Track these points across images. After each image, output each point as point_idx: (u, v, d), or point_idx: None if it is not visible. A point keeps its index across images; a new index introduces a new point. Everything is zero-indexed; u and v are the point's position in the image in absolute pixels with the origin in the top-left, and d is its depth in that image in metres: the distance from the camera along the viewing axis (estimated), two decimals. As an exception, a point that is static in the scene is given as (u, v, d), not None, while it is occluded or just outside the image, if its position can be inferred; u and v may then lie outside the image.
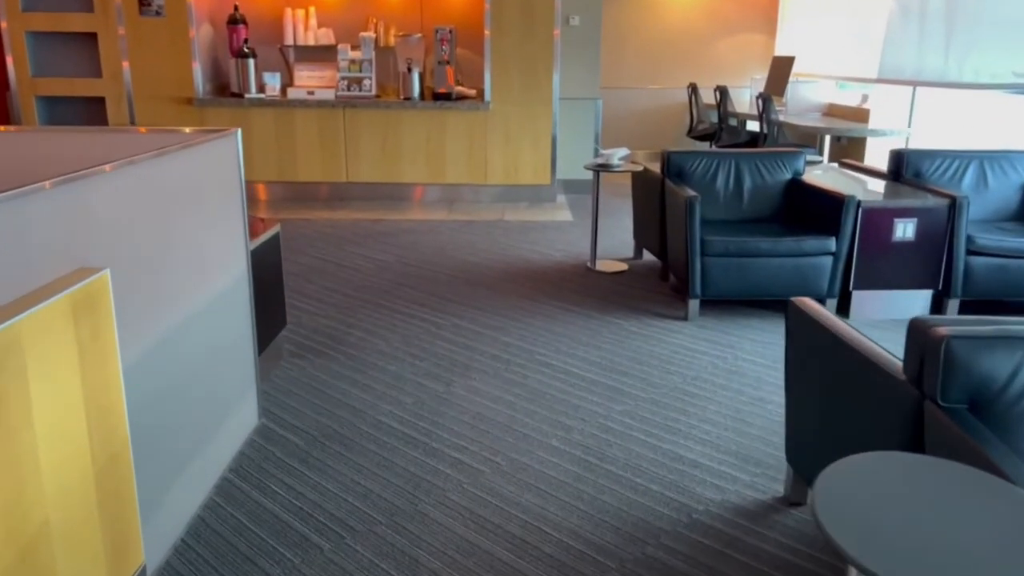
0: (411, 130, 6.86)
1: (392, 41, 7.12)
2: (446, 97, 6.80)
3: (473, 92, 7.17)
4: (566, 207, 6.85)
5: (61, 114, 6.97)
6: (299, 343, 3.69)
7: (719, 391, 3.22)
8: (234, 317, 2.66)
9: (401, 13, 7.28)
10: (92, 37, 6.64)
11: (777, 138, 7.33)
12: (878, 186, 4.31)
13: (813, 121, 6.93)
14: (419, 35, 6.85)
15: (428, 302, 4.30)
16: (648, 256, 5.22)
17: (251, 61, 6.78)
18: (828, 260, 3.88)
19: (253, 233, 3.03)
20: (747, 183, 4.33)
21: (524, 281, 4.71)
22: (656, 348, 3.65)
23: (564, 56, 7.08)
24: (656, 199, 4.57)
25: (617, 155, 4.83)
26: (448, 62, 6.79)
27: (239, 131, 2.68)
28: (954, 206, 3.85)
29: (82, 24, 6.55)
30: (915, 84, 6.41)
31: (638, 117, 9.67)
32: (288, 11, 7.11)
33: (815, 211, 4.10)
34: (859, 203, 3.84)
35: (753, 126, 8.35)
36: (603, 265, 4.99)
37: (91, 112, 6.94)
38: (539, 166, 6.96)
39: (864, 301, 3.99)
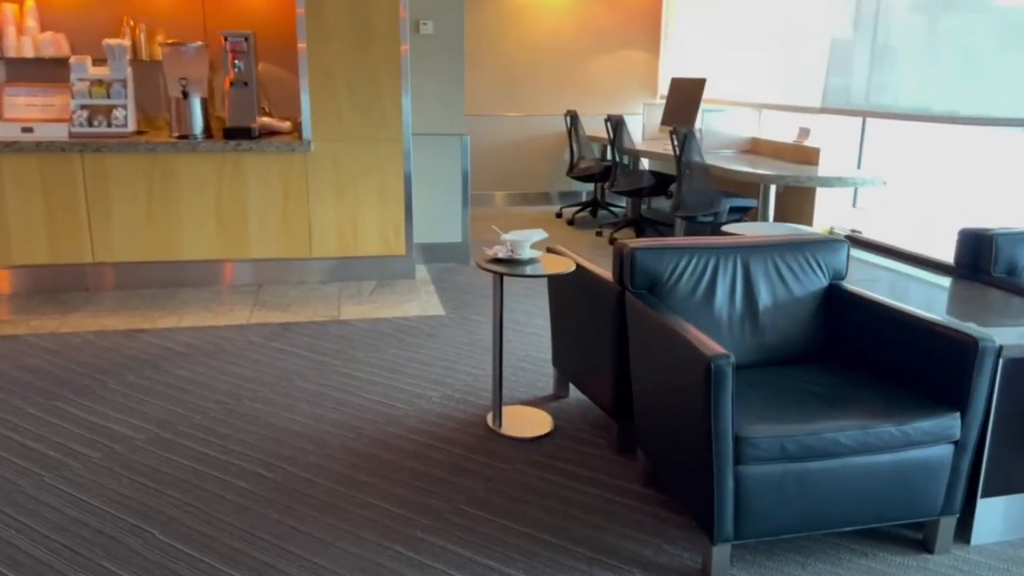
0: (192, 182, 4.60)
1: (157, 52, 4.83)
2: (244, 134, 4.61)
3: (286, 125, 5.00)
4: (431, 287, 4.84)
5: None
6: None
7: None
8: None
9: (171, 13, 4.99)
10: None
11: (627, 172, 5.74)
12: (966, 296, 2.65)
13: (744, 163, 5.36)
14: (199, 43, 4.61)
15: (196, 565, 2.15)
16: (577, 394, 3.32)
17: (-81, 80, 4.26)
18: (947, 453, 2.13)
19: None
20: (763, 296, 2.53)
21: (383, 481, 2.65)
22: None
23: (416, 76, 5.09)
24: (606, 322, 2.67)
25: (527, 242, 2.90)
26: (246, 83, 4.60)
27: None
28: None
29: None
30: (876, 116, 4.97)
31: (506, 152, 7.83)
32: (-12, 4, 4.64)
33: (891, 348, 2.37)
34: (999, 349, 2.12)
35: (657, 165, 6.72)
36: (513, 422, 3.03)
37: None
38: (388, 229, 4.91)
39: (995, 515, 2.28)
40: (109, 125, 4.56)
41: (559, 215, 7.39)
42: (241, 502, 2.45)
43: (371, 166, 4.82)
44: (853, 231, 4.94)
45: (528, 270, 2.82)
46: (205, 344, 3.81)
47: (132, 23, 4.84)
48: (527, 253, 2.90)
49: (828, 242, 2.62)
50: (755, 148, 5.95)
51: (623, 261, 2.48)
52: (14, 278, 4.50)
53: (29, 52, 4.71)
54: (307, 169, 4.74)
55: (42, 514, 2.36)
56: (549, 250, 3.13)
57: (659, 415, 2.33)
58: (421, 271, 5.21)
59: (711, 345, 2.00)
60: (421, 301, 4.57)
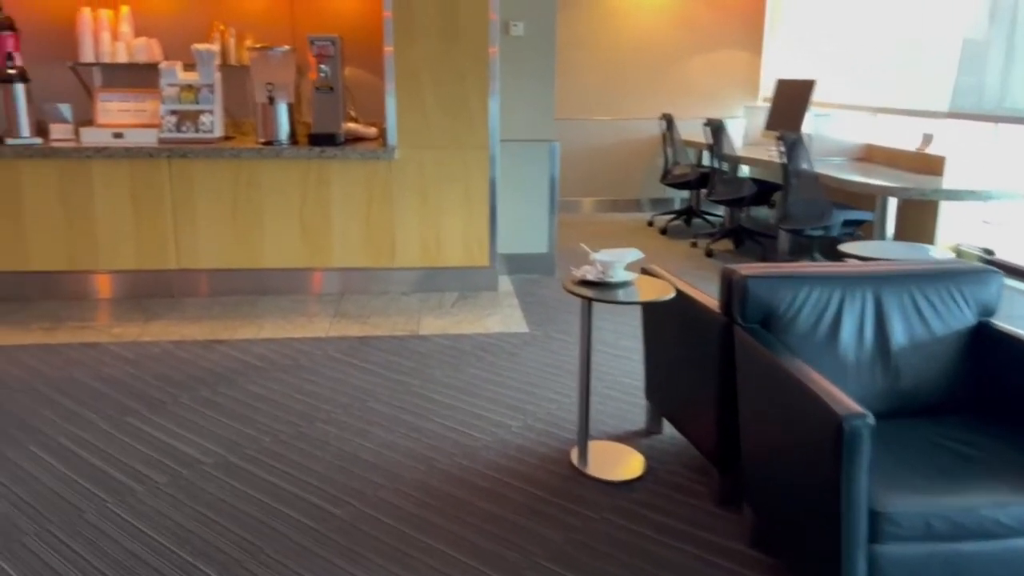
0: (276, 189, 4.52)
1: (246, 57, 4.78)
2: (329, 140, 4.50)
3: (372, 131, 4.88)
4: (514, 302, 4.61)
5: None
6: None
7: None
8: None
9: (260, 16, 4.94)
10: None
11: (727, 180, 5.32)
12: None
13: (857, 172, 4.91)
14: (286, 48, 4.53)
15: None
16: (673, 431, 3.01)
17: (18, 87, 4.32)
18: None
19: None
20: (897, 334, 2.18)
21: (454, 524, 2.43)
22: None
23: (504, 79, 4.88)
24: (710, 358, 2.37)
25: (620, 263, 2.62)
26: (332, 88, 4.49)
27: None
28: None
29: None
30: (1014, 121, 4.45)
31: (596, 158, 7.54)
32: (86, 12, 4.68)
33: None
34: None
35: (759, 172, 6.30)
36: (600, 460, 2.76)
37: None
38: (472, 239, 4.72)
39: None
40: (196, 131, 4.53)
41: (651, 223, 7.05)
42: (304, 543, 2.27)
43: (456, 173, 4.63)
44: (985, 251, 4.44)
45: (620, 295, 2.54)
46: (282, 358, 3.69)
47: (222, 28, 4.82)
48: (620, 275, 2.62)
49: (976, 272, 2.24)
50: (869, 156, 5.47)
51: (733, 290, 2.17)
52: (102, 283, 4.52)
53: (123, 58, 4.73)
54: (391, 176, 4.60)
55: (100, 546, 2.24)
56: (644, 271, 2.84)
57: (774, 470, 2.02)
58: (504, 283, 5.00)
59: (843, 400, 1.68)
60: (503, 316, 4.35)
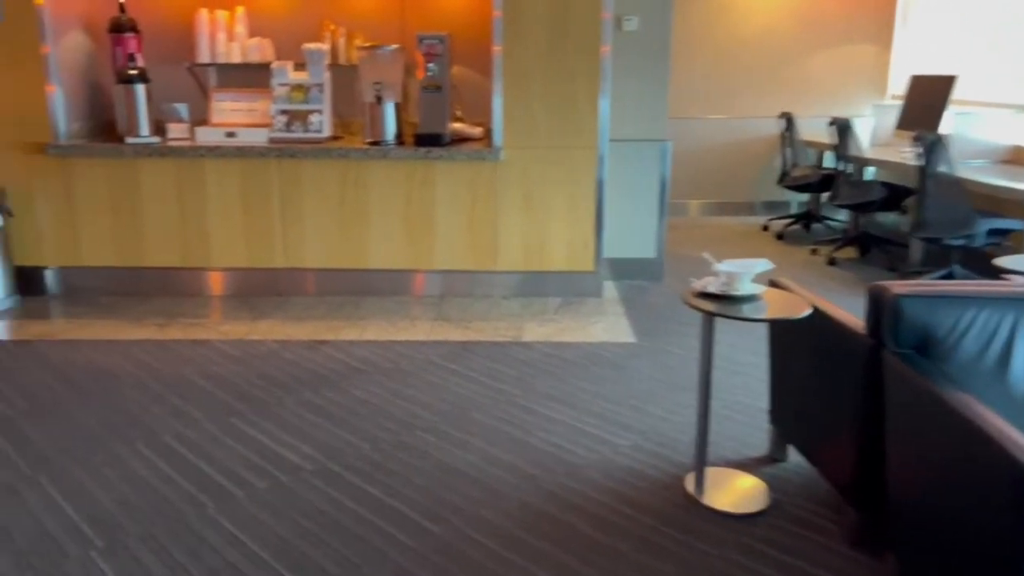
0: (382, 189, 4.48)
1: (355, 56, 4.77)
2: (435, 141, 4.42)
3: (478, 131, 4.78)
4: (620, 309, 4.41)
5: None
6: None
7: None
8: None
9: (370, 15, 4.93)
10: None
11: (853, 183, 4.86)
12: None
13: (1005, 176, 4.45)
14: (395, 46, 4.49)
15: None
16: (799, 459, 2.75)
17: (139, 88, 4.44)
18: None
19: None
20: (1081, 367, 1.87)
21: (557, 550, 2.27)
22: None
23: (616, 77, 4.67)
24: (852, 384, 2.12)
25: (747, 275, 2.39)
26: (439, 87, 4.41)
27: None
28: None
29: None
30: None
31: (707, 158, 7.22)
32: (203, 13, 4.78)
33: None
34: None
35: (888, 175, 5.86)
36: (718, 489, 2.54)
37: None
38: (577, 243, 4.54)
39: None
40: (305, 130, 4.55)
41: (765, 228, 6.68)
42: (401, 562, 2.16)
43: (562, 175, 4.47)
44: None
45: (747, 310, 2.32)
46: (384, 361, 3.63)
47: (333, 27, 4.83)
48: (746, 288, 2.39)
49: None
50: (1018, 158, 4.96)
51: (883, 310, 1.92)
52: (213, 280, 4.61)
53: (237, 58, 4.81)
54: (496, 177, 4.48)
55: (200, 555, 2.20)
56: (772, 283, 2.60)
57: (930, 518, 1.76)
58: (609, 289, 4.80)
59: (1030, 450, 1.42)
60: (608, 324, 4.16)
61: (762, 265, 2.41)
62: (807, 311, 2.29)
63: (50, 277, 4.58)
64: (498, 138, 4.43)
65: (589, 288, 4.61)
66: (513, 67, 4.35)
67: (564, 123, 4.40)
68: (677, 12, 6.75)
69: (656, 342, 3.90)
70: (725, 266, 2.41)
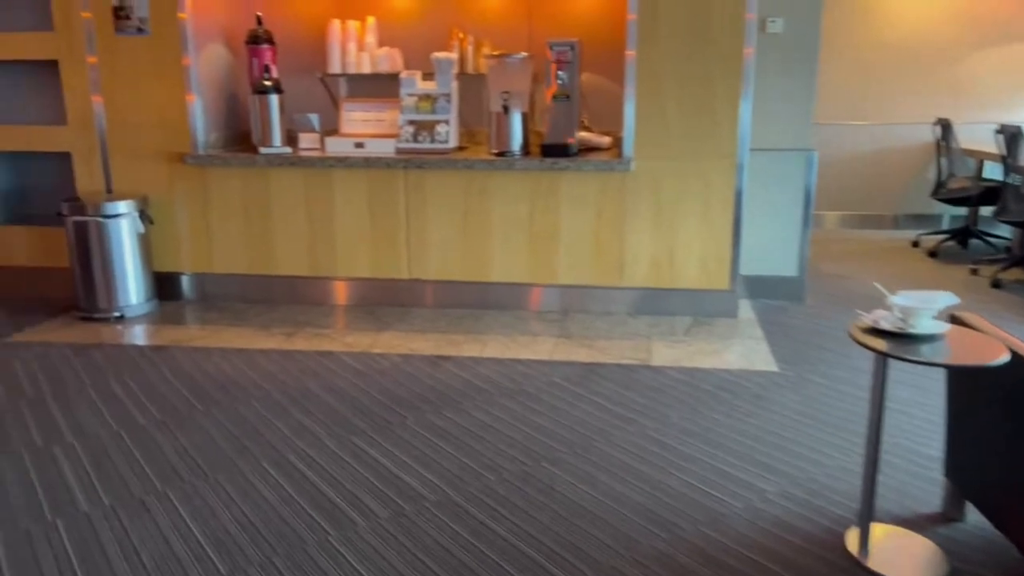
0: (506, 201, 4.36)
1: (482, 64, 4.67)
2: (561, 151, 4.26)
3: (606, 141, 4.58)
4: (758, 332, 4.10)
5: (19, 178, 4.99)
6: None
7: None
8: None
9: (498, 22, 4.82)
10: (53, 67, 4.60)
11: (1021, 197, 4.25)
12: None
13: None
14: (523, 55, 4.36)
15: None
16: (979, 518, 2.41)
17: (273, 98, 4.52)
18: None
19: None
20: None
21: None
22: None
23: (758, 82, 4.36)
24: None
25: (928, 312, 2.09)
26: (568, 96, 4.25)
27: None
28: None
29: (38, 48, 4.52)
30: None
31: (850, 168, 6.73)
32: (335, 23, 4.82)
33: None
34: None
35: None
36: (885, 551, 2.24)
37: (55, 174, 4.91)
38: (711, 259, 4.27)
39: None
40: (432, 141, 4.49)
41: (915, 244, 6.14)
42: (529, 615, 2.00)
43: (696, 186, 4.21)
44: None
45: (927, 352, 2.02)
46: (506, 380, 3.50)
47: (461, 35, 4.75)
48: (925, 326, 2.09)
49: None
50: None
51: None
52: (339, 290, 4.62)
53: (367, 68, 4.82)
54: (625, 188, 4.27)
55: (319, 587, 2.12)
56: (954, 318, 2.27)
57: None
58: (745, 309, 4.49)
59: None
60: (746, 349, 3.87)
61: (945, 299, 2.10)
62: (1003, 356, 1.96)
63: (186, 283, 4.72)
64: (628, 148, 4.22)
65: (723, 308, 4.32)
66: (647, 72, 4.13)
67: (700, 131, 4.14)
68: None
69: (800, 371, 3.58)
70: (901, 299, 2.11)
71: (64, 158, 4.71)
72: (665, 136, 4.19)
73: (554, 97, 4.25)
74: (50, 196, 4.83)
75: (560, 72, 4.21)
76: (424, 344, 3.96)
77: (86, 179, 4.65)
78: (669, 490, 2.58)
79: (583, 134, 4.55)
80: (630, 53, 4.13)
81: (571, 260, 4.39)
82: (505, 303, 4.50)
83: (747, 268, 4.59)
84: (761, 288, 4.64)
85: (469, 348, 3.91)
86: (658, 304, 4.39)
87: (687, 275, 4.34)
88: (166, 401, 3.30)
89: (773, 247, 4.59)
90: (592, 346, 3.92)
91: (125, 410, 3.21)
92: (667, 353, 3.82)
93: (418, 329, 4.19)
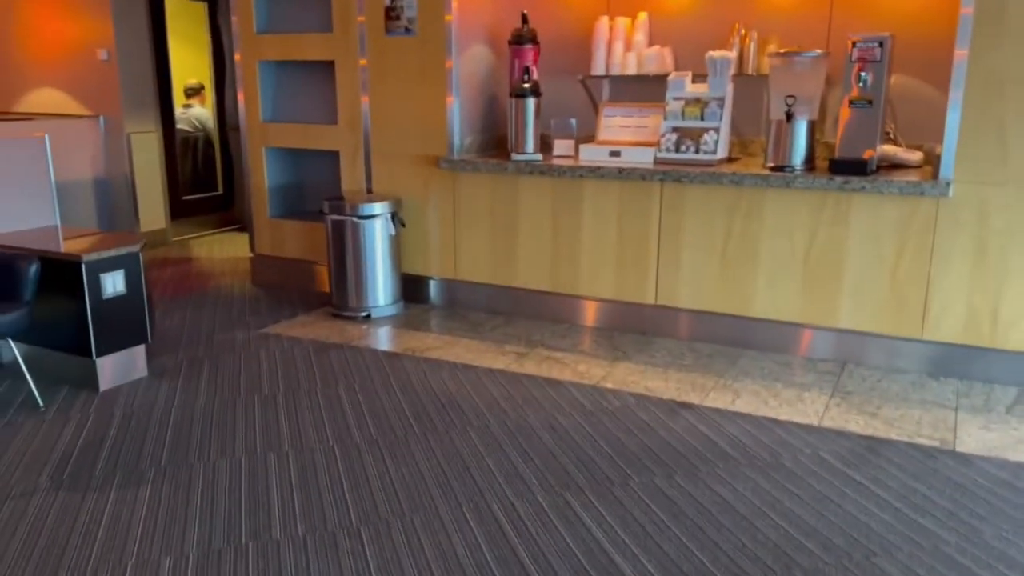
0: (779, 224, 3.70)
1: (765, 64, 4.02)
2: (856, 168, 3.50)
3: (916, 157, 3.73)
4: (1117, 424, 3.04)
5: (291, 174, 5.24)
6: None
7: None
8: None
9: (791, 16, 4.13)
10: (329, 68, 4.75)
11: None
12: None
13: None
14: (816, 53, 3.66)
15: None
16: None
17: (529, 102, 4.26)
18: None
19: None
20: None
21: None
22: None
23: None
24: None
25: None
26: (871, 101, 3.48)
27: None
28: None
29: (319, 49, 4.69)
30: None
31: None
32: (603, 21, 4.45)
33: None
34: None
35: None
36: None
37: (323, 172, 5.08)
38: (1052, 317, 3.26)
39: None
40: (697, 151, 3.95)
41: None
42: None
43: (1039, 221, 3.23)
44: None
45: None
46: (759, 447, 2.88)
47: (743, 31, 4.14)
48: None
49: None
50: None
51: None
52: (579, 309, 4.26)
53: (632, 69, 4.39)
54: (938, 218, 3.41)
55: None
56: None
57: None
58: (1099, 386, 3.39)
59: None
60: (1101, 446, 2.86)
61: None
62: None
63: (433, 287, 4.65)
64: (947, 168, 3.35)
65: (1063, 382, 3.29)
66: (982, 77, 3.24)
67: None
68: None
69: None
70: None
71: (335, 157, 4.86)
72: (1000, 156, 3.26)
73: (852, 102, 3.50)
74: (321, 193, 5.03)
75: (863, 73, 3.46)
76: (663, 385, 3.45)
77: (350, 178, 4.76)
78: (978, 655, 1.85)
79: (886, 147, 3.73)
80: (960, 53, 3.26)
81: (856, 300, 3.61)
82: (767, 344, 3.84)
83: (1106, 332, 3.47)
84: (1125, 361, 3.49)
85: (717, 397, 3.33)
86: (970, 367, 3.46)
87: (1016, 334, 3.36)
88: (385, 418, 3.15)
89: None
90: (876, 414, 3.15)
91: (344, 422, 3.10)
92: (980, 436, 2.95)
93: (659, 364, 3.69)
